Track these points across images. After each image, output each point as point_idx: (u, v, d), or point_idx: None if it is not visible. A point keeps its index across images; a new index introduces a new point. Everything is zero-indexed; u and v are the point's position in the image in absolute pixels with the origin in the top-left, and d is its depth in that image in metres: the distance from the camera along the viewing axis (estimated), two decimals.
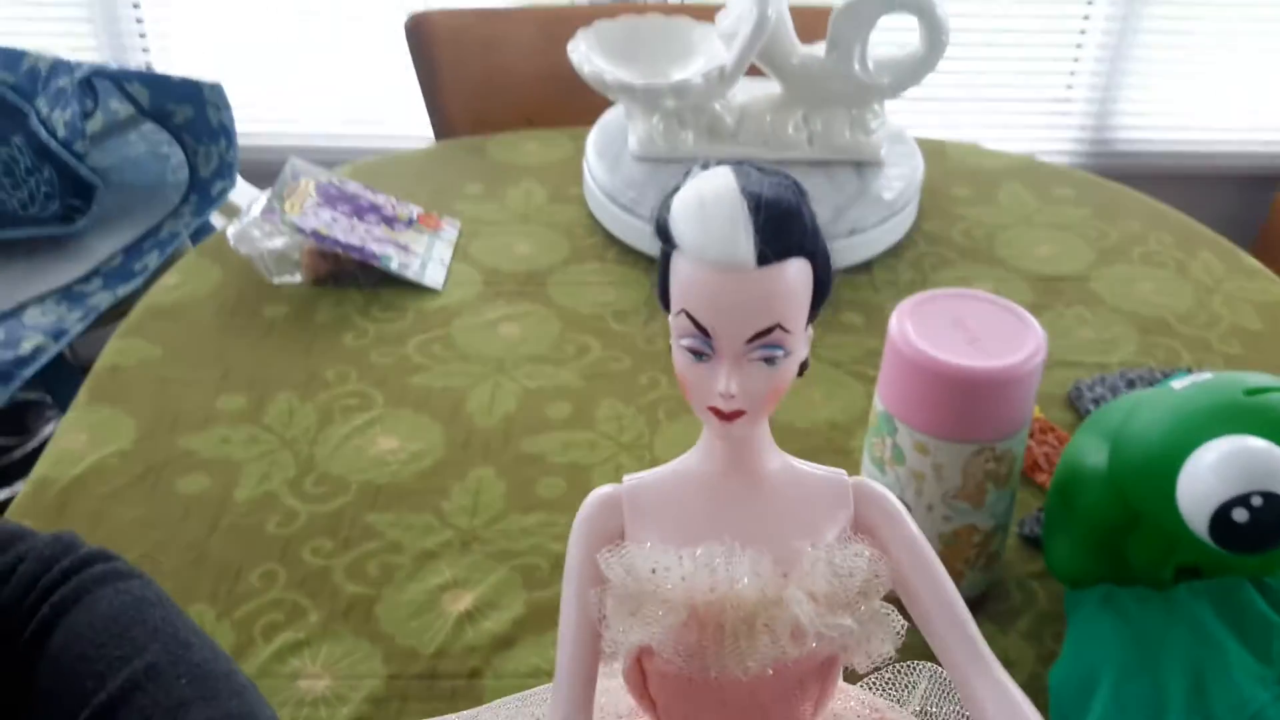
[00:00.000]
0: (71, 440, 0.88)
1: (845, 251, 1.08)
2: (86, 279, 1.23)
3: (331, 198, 1.10)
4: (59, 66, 1.29)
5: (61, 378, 1.20)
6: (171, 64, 2.02)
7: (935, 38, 1.10)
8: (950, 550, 0.72)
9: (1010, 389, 0.67)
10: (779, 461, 0.35)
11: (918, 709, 0.39)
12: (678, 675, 0.30)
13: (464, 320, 1.02)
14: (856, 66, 1.11)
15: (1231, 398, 0.64)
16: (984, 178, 1.24)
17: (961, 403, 0.68)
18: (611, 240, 1.12)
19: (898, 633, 0.32)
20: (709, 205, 0.33)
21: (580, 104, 1.28)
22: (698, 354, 0.34)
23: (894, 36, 1.19)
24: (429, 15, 1.42)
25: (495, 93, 1.47)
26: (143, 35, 1.97)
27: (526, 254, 1.11)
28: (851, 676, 0.46)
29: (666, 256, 0.36)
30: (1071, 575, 0.71)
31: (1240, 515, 0.59)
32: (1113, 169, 2.09)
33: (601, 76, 1.10)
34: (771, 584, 0.30)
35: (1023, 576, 0.77)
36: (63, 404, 0.91)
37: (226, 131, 1.32)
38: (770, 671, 0.30)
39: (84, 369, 1.01)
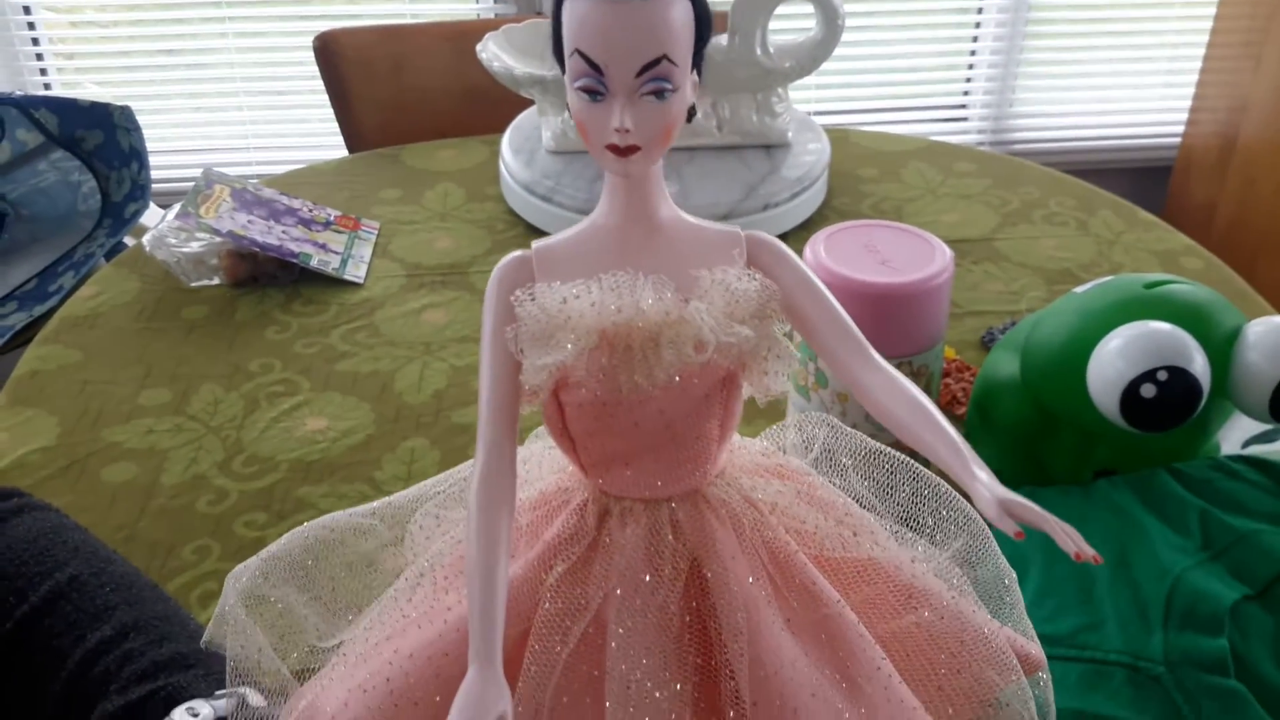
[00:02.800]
0: None
1: (760, 226, 1.10)
2: (1, 303, 1.21)
3: (247, 203, 1.10)
4: None
5: None
6: (73, 91, 1.99)
7: (831, 22, 1.14)
8: None
9: (923, 302, 0.70)
10: (673, 212, 0.36)
11: (816, 456, 0.41)
12: (592, 403, 0.31)
13: (388, 310, 1.02)
14: (759, 51, 1.14)
15: (1132, 292, 0.68)
16: (888, 159, 1.28)
17: (878, 319, 0.70)
18: (532, 230, 1.14)
19: (791, 363, 0.33)
20: None
21: (492, 117, 1.30)
22: (593, 94, 0.35)
23: (792, 24, 1.23)
24: (336, 35, 1.43)
25: (407, 108, 1.48)
26: (40, 57, 1.94)
27: (448, 248, 1.12)
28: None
29: (558, 13, 0.37)
30: None
31: (1148, 391, 0.61)
32: None
33: (511, 72, 1.12)
34: (674, 304, 0.31)
35: None
36: None
37: (138, 154, 1.32)
38: (677, 380, 0.31)
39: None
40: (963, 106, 2.21)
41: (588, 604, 0.33)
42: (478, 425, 0.34)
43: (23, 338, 1.23)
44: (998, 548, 0.40)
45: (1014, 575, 0.40)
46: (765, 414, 0.86)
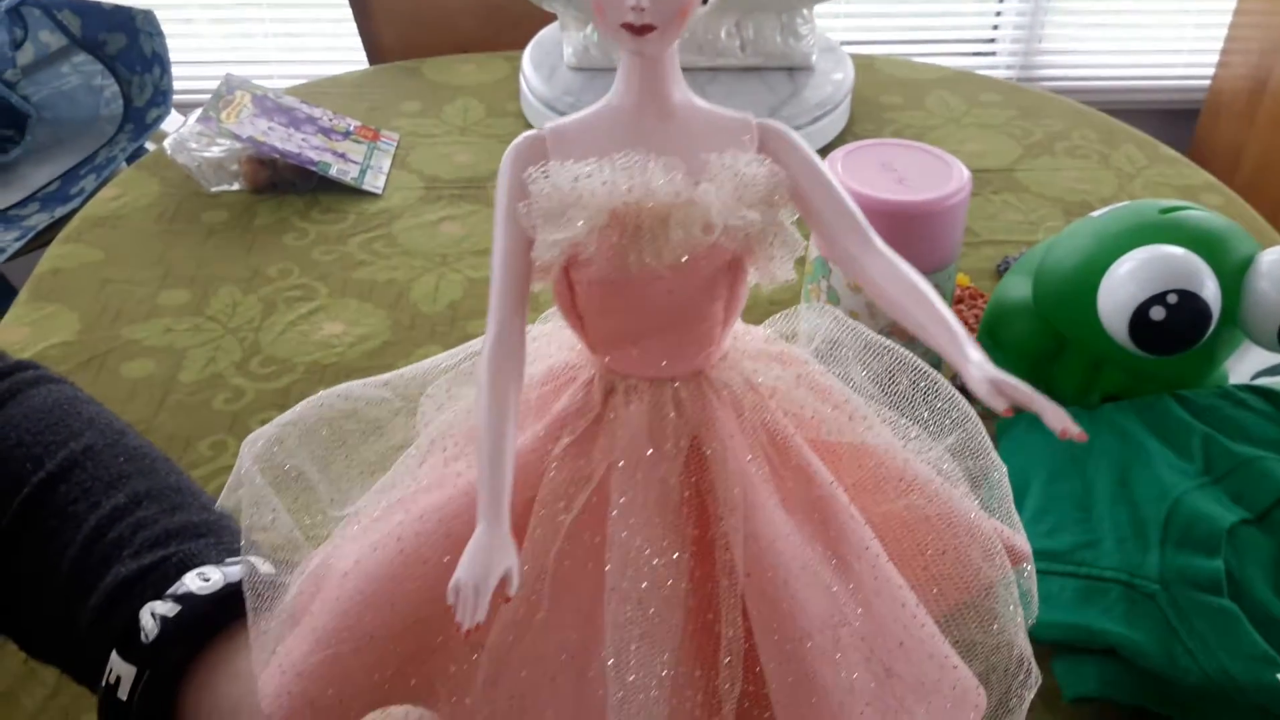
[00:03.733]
0: (12, 334, 0.87)
1: None
2: (23, 204, 1.22)
3: (268, 109, 1.10)
4: None
5: (1, 297, 1.19)
6: None
7: None
8: None
9: (938, 221, 0.70)
10: (687, 96, 0.37)
11: (819, 346, 0.42)
12: (601, 281, 0.32)
13: (405, 221, 1.03)
14: None
15: (1146, 217, 0.67)
16: (913, 87, 1.27)
17: (892, 237, 0.70)
18: None
19: (796, 250, 0.34)
20: None
21: (513, 34, 1.30)
22: None
23: None
24: None
25: (428, 22, 1.47)
26: None
27: (466, 162, 1.12)
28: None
29: None
30: None
31: (1157, 313, 0.62)
32: None
33: None
34: (684, 185, 0.32)
35: None
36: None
37: (160, 59, 1.32)
38: (684, 260, 0.32)
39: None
40: (991, 41, 2.18)
41: (591, 474, 0.34)
42: (489, 300, 0.34)
43: (44, 238, 1.24)
44: (990, 442, 0.41)
45: (1004, 469, 0.40)
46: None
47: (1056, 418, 0.31)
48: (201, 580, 0.47)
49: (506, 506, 0.31)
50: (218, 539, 0.50)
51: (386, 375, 0.44)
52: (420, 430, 0.43)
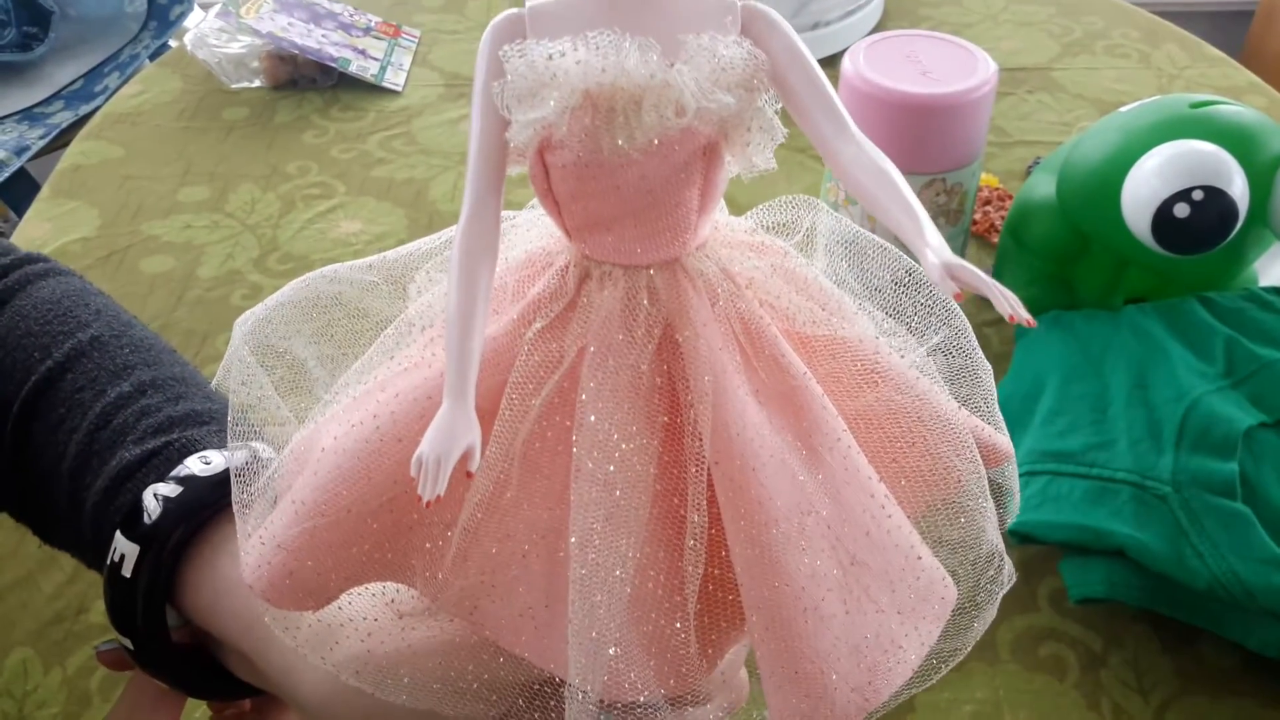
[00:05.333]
0: (34, 230, 0.88)
1: (811, 44, 1.06)
2: (47, 102, 1.21)
3: (288, 5, 1.08)
4: None
5: (25, 193, 1.20)
6: None
7: None
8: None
9: (961, 115, 0.68)
10: None
11: (801, 239, 0.41)
12: (575, 164, 0.31)
13: (425, 119, 1.01)
14: None
15: (1176, 111, 0.65)
16: None
17: (914, 132, 0.69)
18: None
19: (776, 136, 0.33)
20: None
21: None
22: None
23: None
24: None
25: None
26: None
27: None
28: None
29: None
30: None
31: (1182, 210, 0.60)
32: None
33: None
34: (659, 67, 0.31)
35: (978, 325, 0.78)
36: None
37: None
38: (656, 143, 0.31)
39: None
40: None
41: (562, 358, 0.34)
42: (467, 172, 0.34)
43: (68, 136, 1.24)
44: (976, 341, 0.40)
45: (990, 369, 0.40)
46: None
47: (1005, 302, 0.30)
48: (203, 464, 0.47)
49: (472, 383, 0.31)
50: (220, 426, 0.51)
51: (371, 258, 0.44)
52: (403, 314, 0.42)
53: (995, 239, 0.86)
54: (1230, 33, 2.15)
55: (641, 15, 0.32)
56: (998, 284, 0.30)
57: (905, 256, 0.41)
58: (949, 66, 0.69)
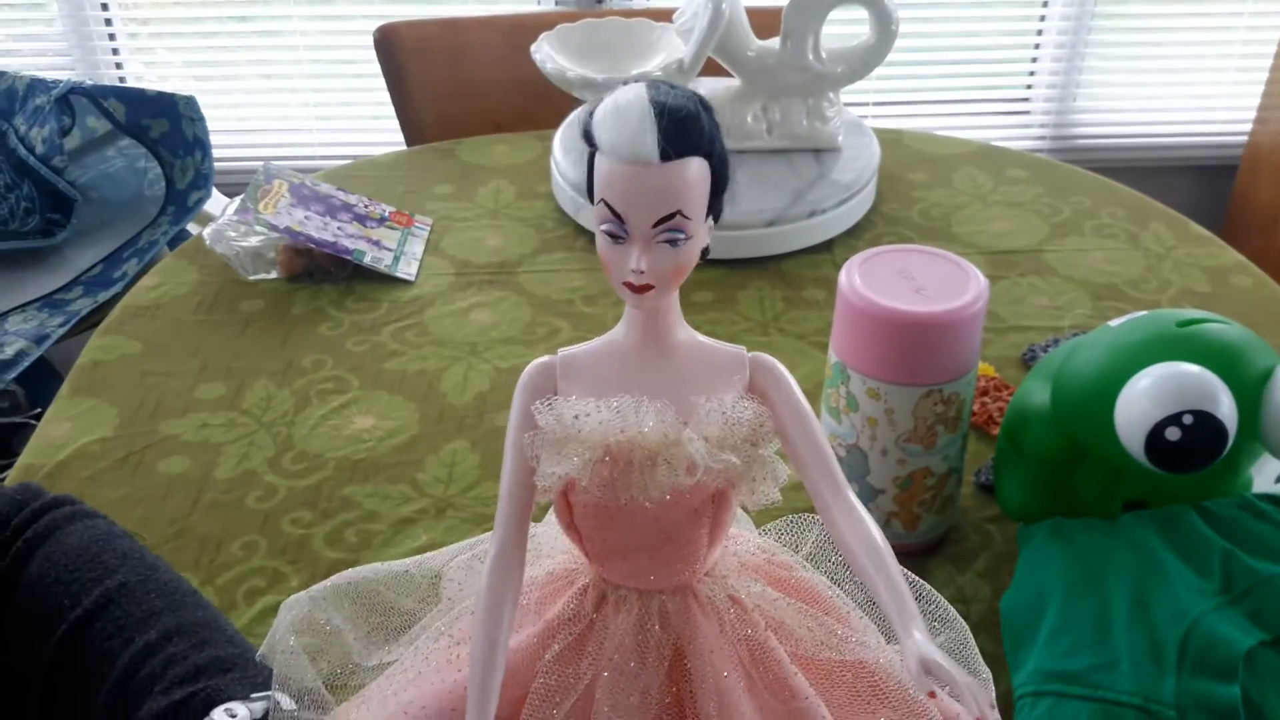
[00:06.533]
0: (55, 430, 0.90)
1: (806, 232, 1.11)
2: (67, 288, 1.25)
3: (304, 198, 1.13)
4: (36, 85, 1.32)
5: (43, 382, 1.23)
6: (145, 79, 2.06)
7: (885, 27, 1.15)
8: (906, 494, 0.75)
9: (955, 332, 0.70)
10: (687, 335, 0.42)
11: (808, 553, 0.44)
12: (596, 505, 0.34)
13: (437, 309, 1.04)
14: (810, 57, 1.15)
15: (1164, 330, 0.68)
16: (940, 163, 1.28)
17: (909, 347, 0.71)
18: (580, 231, 1.15)
19: (780, 478, 0.36)
20: (622, 111, 0.41)
21: (547, 110, 1.32)
22: (615, 237, 0.41)
23: (846, 29, 1.23)
24: (396, 27, 1.46)
25: (463, 100, 1.50)
26: (115, 51, 2.00)
27: (497, 246, 1.14)
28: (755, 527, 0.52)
29: (591, 156, 0.43)
30: (1022, 512, 0.74)
31: (1173, 434, 0.62)
32: (1073, 164, 2.13)
33: (564, 74, 1.13)
34: (672, 428, 0.34)
35: (980, 521, 0.80)
36: (45, 407, 0.94)
37: (201, 143, 1.35)
38: (669, 498, 0.34)
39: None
40: (1025, 100, 2.19)
41: (579, 681, 0.36)
42: (497, 513, 0.36)
43: (87, 323, 1.27)
44: (976, 646, 0.42)
45: (989, 675, 0.42)
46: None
47: (975, 704, 0.33)
48: (228, 716, 0.49)
49: (493, 706, 0.33)
50: (243, 673, 0.53)
51: (408, 561, 0.48)
52: (440, 607, 0.46)
53: (994, 431, 0.88)
54: (1217, 185, 2.21)
55: (660, 373, 0.36)
56: (971, 682, 0.32)
57: (863, 520, 0.43)
58: (941, 283, 0.72)
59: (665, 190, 0.40)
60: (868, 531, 0.35)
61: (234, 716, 0.49)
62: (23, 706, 0.56)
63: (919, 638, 0.33)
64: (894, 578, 0.35)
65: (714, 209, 0.43)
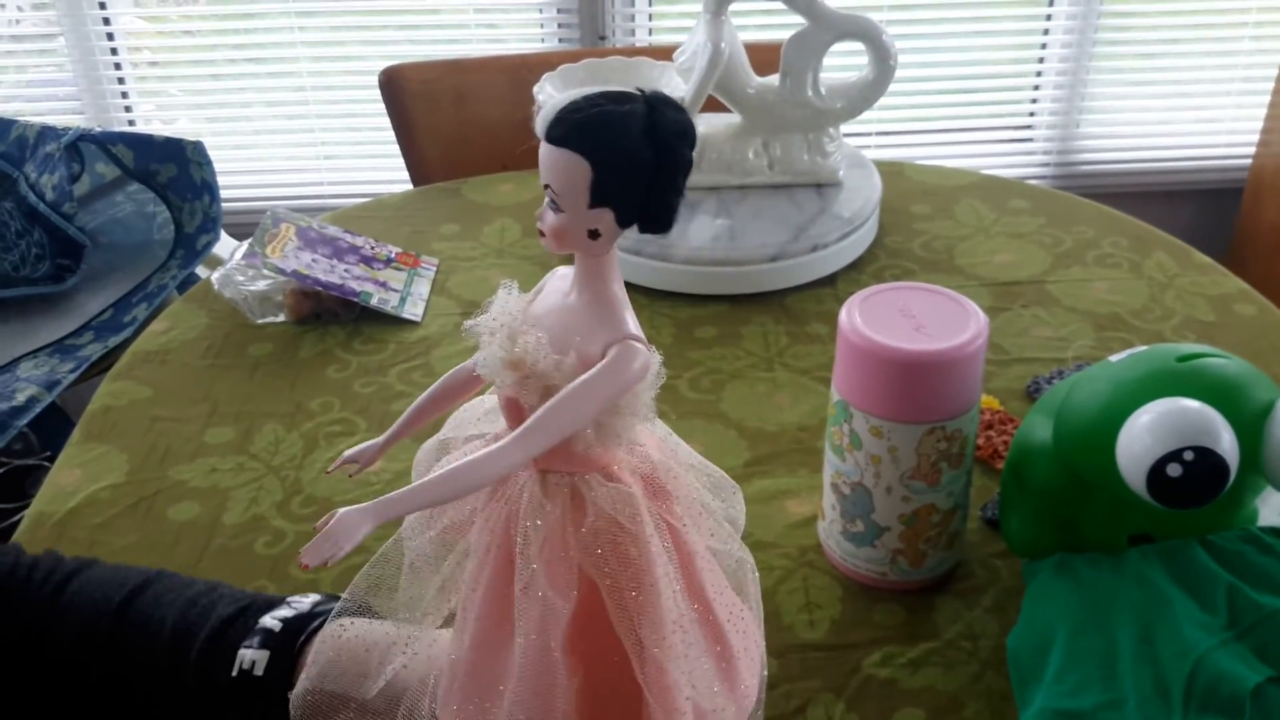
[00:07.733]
0: (65, 477, 0.91)
1: (809, 267, 1.12)
2: (78, 333, 1.26)
3: (311, 241, 1.14)
4: (46, 133, 1.34)
5: (55, 426, 1.24)
6: (154, 120, 2.08)
7: (883, 63, 1.16)
8: (911, 531, 0.75)
9: (956, 369, 0.71)
10: (602, 296, 0.54)
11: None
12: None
13: (443, 349, 1.05)
14: (810, 93, 1.16)
15: (1164, 365, 0.68)
16: (942, 194, 1.29)
17: (911, 385, 0.71)
18: None
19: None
20: (554, 102, 0.51)
21: None
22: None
23: (845, 61, 1.24)
24: (400, 69, 1.47)
25: (469, 141, 1.51)
26: (124, 95, 2.03)
27: None
28: None
29: None
30: (1028, 547, 0.74)
31: (1174, 470, 0.62)
32: (1077, 191, 2.14)
33: None
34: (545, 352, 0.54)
35: (986, 556, 0.80)
36: (57, 451, 0.95)
37: (209, 187, 1.37)
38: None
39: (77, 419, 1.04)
40: (1028, 127, 2.19)
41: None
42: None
43: (97, 368, 1.28)
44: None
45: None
46: (798, 461, 0.88)
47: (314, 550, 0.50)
48: (289, 608, 0.66)
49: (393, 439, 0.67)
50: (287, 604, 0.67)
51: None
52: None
53: (999, 464, 0.88)
54: (1222, 209, 2.21)
55: (561, 313, 0.55)
56: (330, 529, 0.52)
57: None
58: (941, 320, 0.72)
59: (546, 164, 0.51)
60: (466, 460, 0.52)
61: (303, 600, 0.67)
62: (85, 677, 0.64)
63: (367, 505, 0.51)
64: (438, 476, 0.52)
65: (618, 212, 0.52)
